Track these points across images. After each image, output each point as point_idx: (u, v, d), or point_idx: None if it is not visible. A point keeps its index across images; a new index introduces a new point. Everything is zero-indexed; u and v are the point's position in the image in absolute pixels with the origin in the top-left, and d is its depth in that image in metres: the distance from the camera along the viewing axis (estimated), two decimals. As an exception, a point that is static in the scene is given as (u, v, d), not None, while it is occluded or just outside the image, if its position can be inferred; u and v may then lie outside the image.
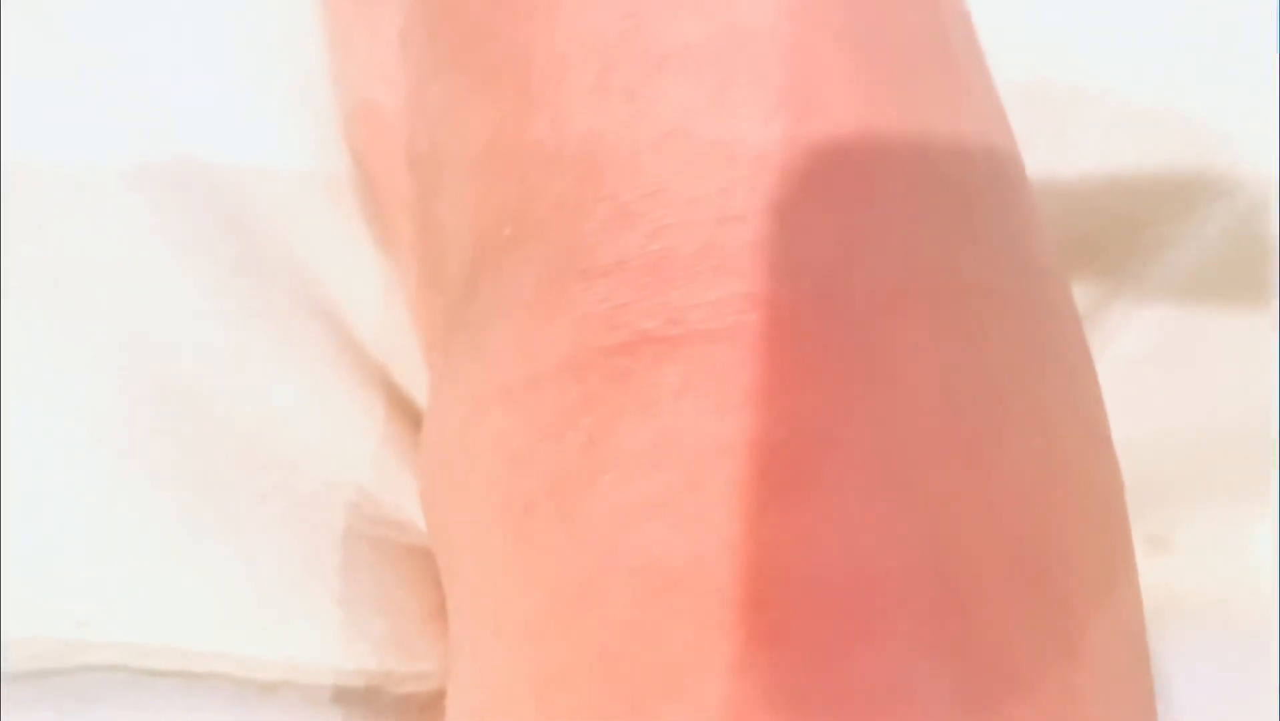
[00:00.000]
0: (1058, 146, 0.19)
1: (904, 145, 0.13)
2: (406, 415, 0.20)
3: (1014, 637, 0.11)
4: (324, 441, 0.19)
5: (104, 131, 0.19)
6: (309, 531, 0.18)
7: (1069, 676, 0.11)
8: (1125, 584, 0.13)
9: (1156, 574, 0.18)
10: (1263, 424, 0.17)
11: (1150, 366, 0.18)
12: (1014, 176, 0.14)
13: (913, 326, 0.12)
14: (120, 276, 0.18)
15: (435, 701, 0.18)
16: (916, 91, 0.14)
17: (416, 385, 0.20)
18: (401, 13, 0.17)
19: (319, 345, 0.19)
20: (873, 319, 0.12)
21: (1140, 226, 0.19)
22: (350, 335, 0.20)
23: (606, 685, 0.11)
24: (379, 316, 0.20)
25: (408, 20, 0.17)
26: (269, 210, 0.20)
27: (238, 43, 0.20)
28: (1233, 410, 0.18)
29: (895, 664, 0.11)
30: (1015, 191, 0.14)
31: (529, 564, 0.13)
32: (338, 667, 0.18)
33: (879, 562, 0.11)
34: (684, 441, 0.12)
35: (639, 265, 0.13)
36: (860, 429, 0.12)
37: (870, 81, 0.13)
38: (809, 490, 0.11)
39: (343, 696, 0.18)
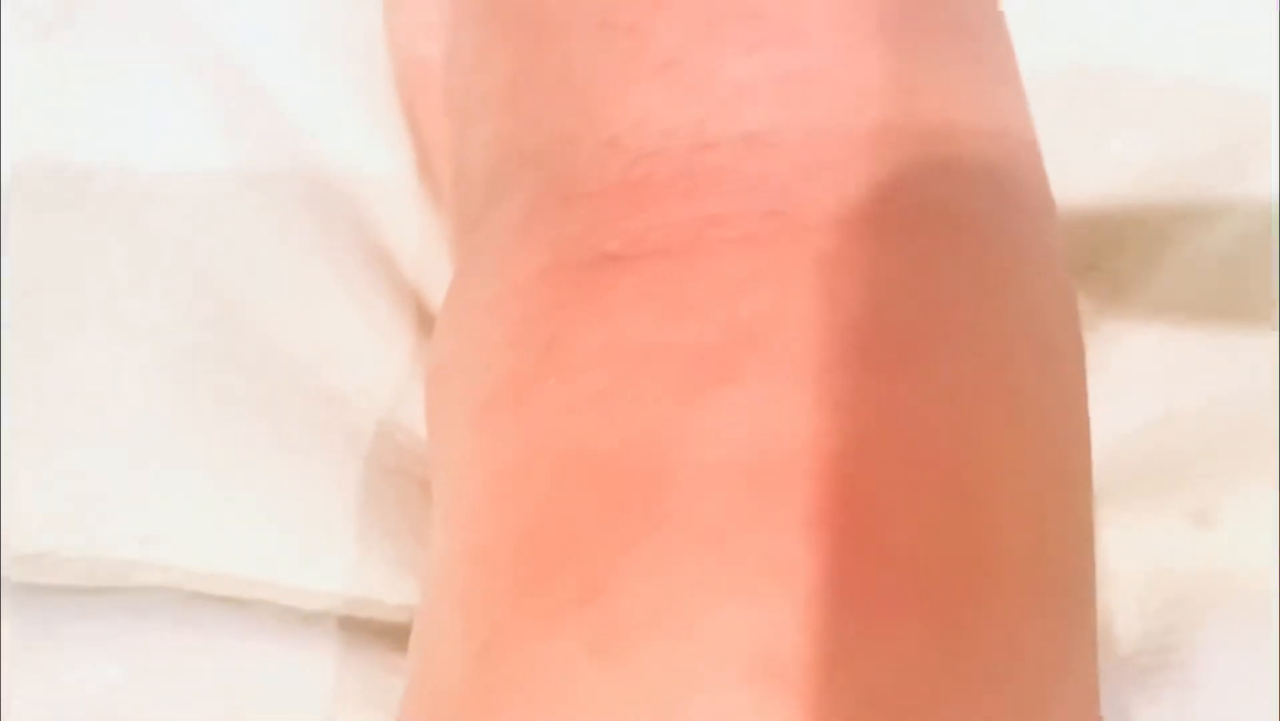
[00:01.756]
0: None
1: (885, 82, 0.14)
2: None
3: (909, 539, 0.11)
4: (376, 379, 0.19)
5: (180, 79, 0.20)
6: (362, 466, 0.19)
7: (972, 585, 0.12)
8: (1060, 515, 0.13)
9: (1201, 549, 0.18)
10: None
11: (1192, 339, 0.18)
12: (1011, 139, 0.15)
13: (863, 243, 0.13)
14: (192, 210, 0.19)
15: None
16: (910, 41, 0.14)
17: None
18: None
19: (374, 287, 0.20)
20: (823, 235, 0.13)
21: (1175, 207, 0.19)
22: (400, 278, 0.20)
23: (523, 562, 0.12)
24: (423, 263, 0.20)
25: None
26: (334, 157, 0.20)
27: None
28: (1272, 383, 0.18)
29: (771, 545, 0.11)
30: (1003, 146, 0.14)
31: (479, 455, 0.13)
32: (383, 602, 0.18)
33: (775, 453, 0.12)
34: (627, 345, 0.13)
35: (616, 191, 0.14)
36: (790, 333, 0.12)
37: (854, 22, 0.14)
38: (727, 386, 0.12)
39: (387, 631, 0.18)
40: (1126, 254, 0.19)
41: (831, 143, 0.13)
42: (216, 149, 0.19)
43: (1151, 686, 0.17)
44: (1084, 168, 0.19)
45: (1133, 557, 0.18)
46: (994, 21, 0.16)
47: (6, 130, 0.19)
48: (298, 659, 0.18)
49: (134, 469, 0.17)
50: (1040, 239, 0.14)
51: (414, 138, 0.20)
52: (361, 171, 0.20)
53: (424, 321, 0.20)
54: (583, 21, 0.14)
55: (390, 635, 0.18)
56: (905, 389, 0.12)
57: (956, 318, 0.13)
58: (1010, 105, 0.15)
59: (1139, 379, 0.18)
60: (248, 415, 0.18)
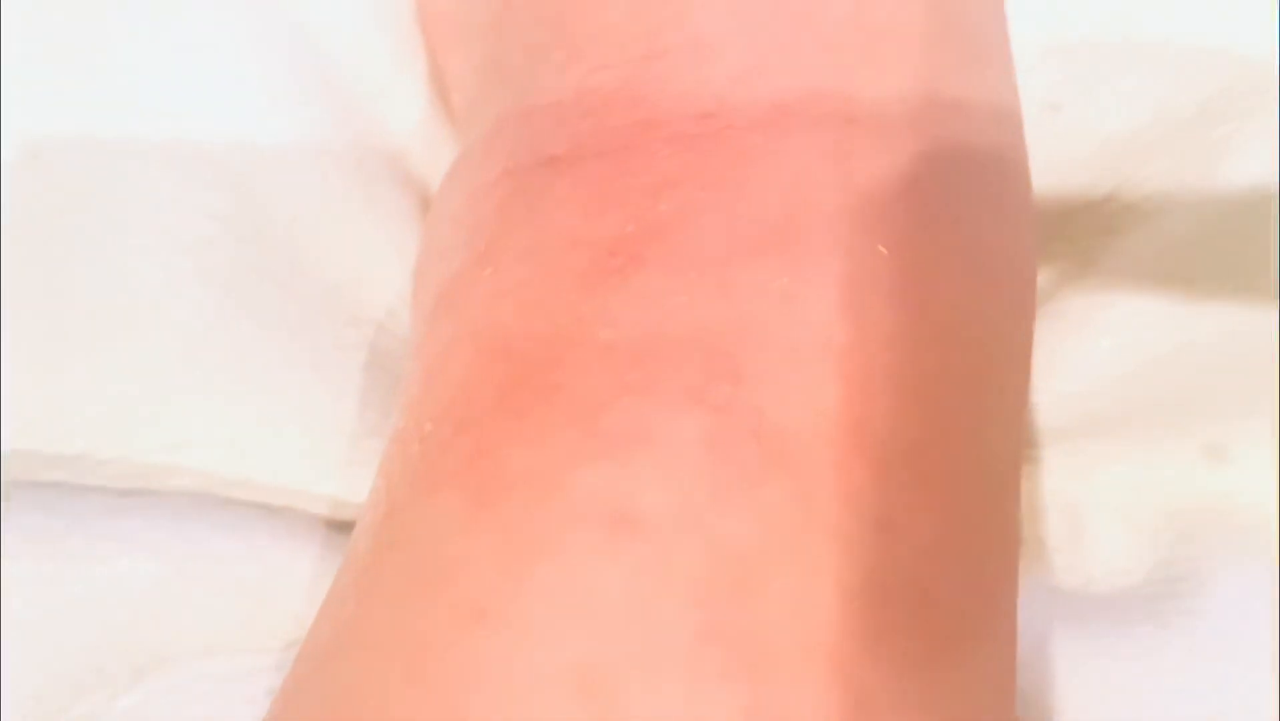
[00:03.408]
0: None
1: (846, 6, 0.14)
2: None
3: (784, 413, 0.12)
4: (401, 302, 0.20)
5: (220, 21, 0.20)
6: (389, 383, 0.19)
7: (843, 459, 0.12)
8: (952, 415, 0.13)
9: (1213, 484, 0.18)
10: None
11: (1200, 274, 0.18)
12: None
13: (786, 140, 0.13)
14: (230, 127, 0.19)
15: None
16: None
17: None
18: None
19: (403, 215, 0.20)
20: (749, 133, 0.13)
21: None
22: (426, 203, 0.21)
23: (429, 435, 0.13)
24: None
25: None
26: (368, 89, 0.20)
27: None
28: None
29: (643, 415, 0.12)
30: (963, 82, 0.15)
31: (422, 346, 0.15)
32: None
33: (663, 335, 0.12)
34: (553, 240, 0.14)
35: (570, 101, 0.15)
36: (699, 226, 0.13)
37: None
38: (629, 275, 0.13)
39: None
40: (1147, 183, 0.19)
41: (773, 49, 0.14)
42: (254, 79, 0.20)
43: (1159, 613, 0.17)
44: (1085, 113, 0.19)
45: (1145, 492, 0.18)
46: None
47: (47, 58, 0.19)
48: (327, 566, 0.18)
49: (170, 376, 0.18)
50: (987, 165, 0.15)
51: (433, 71, 0.20)
52: (393, 103, 0.21)
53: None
54: None
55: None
56: (802, 279, 0.13)
57: (866, 209, 0.13)
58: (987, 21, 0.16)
59: (1147, 315, 0.18)
60: (281, 330, 0.19)
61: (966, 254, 0.14)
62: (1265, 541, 0.18)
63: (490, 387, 0.13)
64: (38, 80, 0.19)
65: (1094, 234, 0.19)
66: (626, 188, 0.13)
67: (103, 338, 0.18)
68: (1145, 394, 0.18)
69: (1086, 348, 0.18)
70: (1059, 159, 0.18)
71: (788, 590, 0.12)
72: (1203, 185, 0.18)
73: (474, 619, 0.11)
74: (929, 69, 0.15)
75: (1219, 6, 0.19)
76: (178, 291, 0.18)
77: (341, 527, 0.19)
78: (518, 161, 0.15)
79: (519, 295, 0.13)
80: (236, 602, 0.17)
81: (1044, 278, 0.19)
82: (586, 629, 0.11)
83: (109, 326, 0.18)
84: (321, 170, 0.20)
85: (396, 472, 0.14)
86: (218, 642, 0.17)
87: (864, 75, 0.14)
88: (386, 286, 0.20)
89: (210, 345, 0.18)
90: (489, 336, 0.13)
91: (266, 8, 0.20)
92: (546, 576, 0.12)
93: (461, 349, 0.14)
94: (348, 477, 0.19)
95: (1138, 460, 0.18)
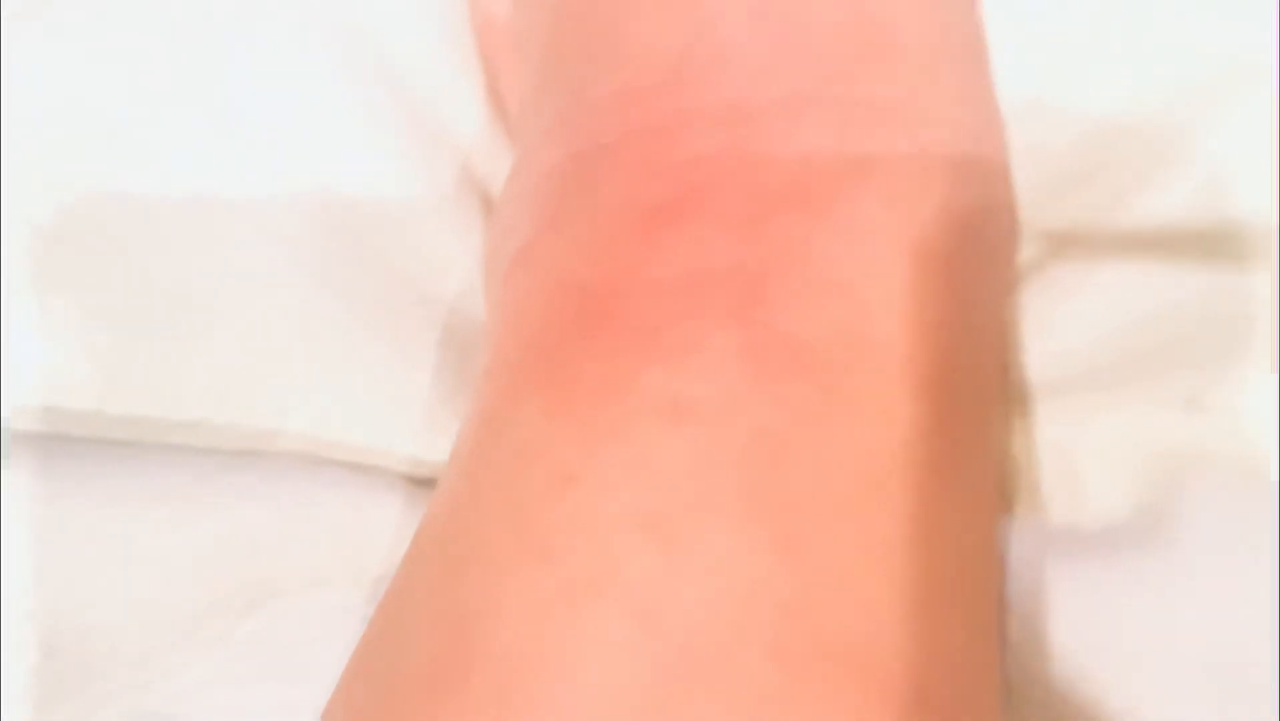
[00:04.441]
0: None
1: (847, 27, 0.17)
2: None
3: (803, 328, 0.15)
4: (474, 288, 0.22)
5: (303, 41, 0.23)
6: (460, 359, 0.22)
7: (851, 363, 0.15)
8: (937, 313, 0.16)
9: (1192, 431, 0.20)
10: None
11: (1180, 243, 0.20)
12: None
13: (797, 121, 0.17)
14: (317, 136, 0.22)
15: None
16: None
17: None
18: None
19: (470, 212, 0.23)
20: (765, 120, 0.17)
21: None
22: (490, 202, 0.23)
23: (513, 362, 0.17)
24: None
25: None
26: (436, 101, 0.23)
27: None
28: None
29: (698, 330, 0.15)
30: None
31: (500, 304, 0.18)
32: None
33: (704, 273, 0.16)
34: (607, 204, 0.17)
35: (618, 96, 0.18)
36: (727, 190, 0.16)
37: None
38: (676, 226, 0.16)
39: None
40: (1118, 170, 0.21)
41: (784, 52, 0.17)
42: (338, 101, 0.23)
43: (1142, 542, 0.19)
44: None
45: (1128, 442, 0.20)
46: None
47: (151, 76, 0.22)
48: (410, 515, 0.21)
49: (275, 350, 0.21)
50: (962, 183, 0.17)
51: (489, 81, 0.23)
52: (456, 113, 0.23)
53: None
54: None
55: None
56: (813, 227, 0.16)
57: (864, 168, 0.16)
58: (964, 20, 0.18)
59: (1129, 280, 0.20)
60: (365, 313, 0.22)
61: (955, 214, 0.16)
62: (1243, 475, 0.20)
63: (566, 318, 0.16)
64: (144, 92, 0.22)
65: (1080, 210, 0.21)
66: (667, 162, 0.16)
67: (215, 319, 0.21)
68: (1129, 350, 0.20)
69: (1076, 310, 0.21)
70: (1041, 148, 0.20)
71: (810, 458, 0.15)
72: (1175, 167, 0.20)
73: (564, 482, 0.15)
74: (920, 70, 0.17)
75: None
76: (277, 279, 0.21)
77: (421, 483, 0.22)
78: (576, 147, 0.18)
79: (584, 249, 0.17)
80: (334, 545, 0.20)
81: (1036, 250, 0.21)
82: (652, 486, 0.14)
83: (220, 309, 0.21)
84: (395, 173, 0.22)
85: (489, 393, 0.17)
86: (319, 578, 0.20)
87: (860, 70, 0.17)
88: (455, 274, 0.22)
89: (305, 326, 0.21)
90: (561, 281, 0.17)
91: (345, 31, 0.23)
92: (620, 449, 0.15)
93: (538, 295, 0.17)
94: (426, 439, 0.21)
95: (1124, 410, 0.20)
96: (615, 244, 0.16)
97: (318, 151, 0.22)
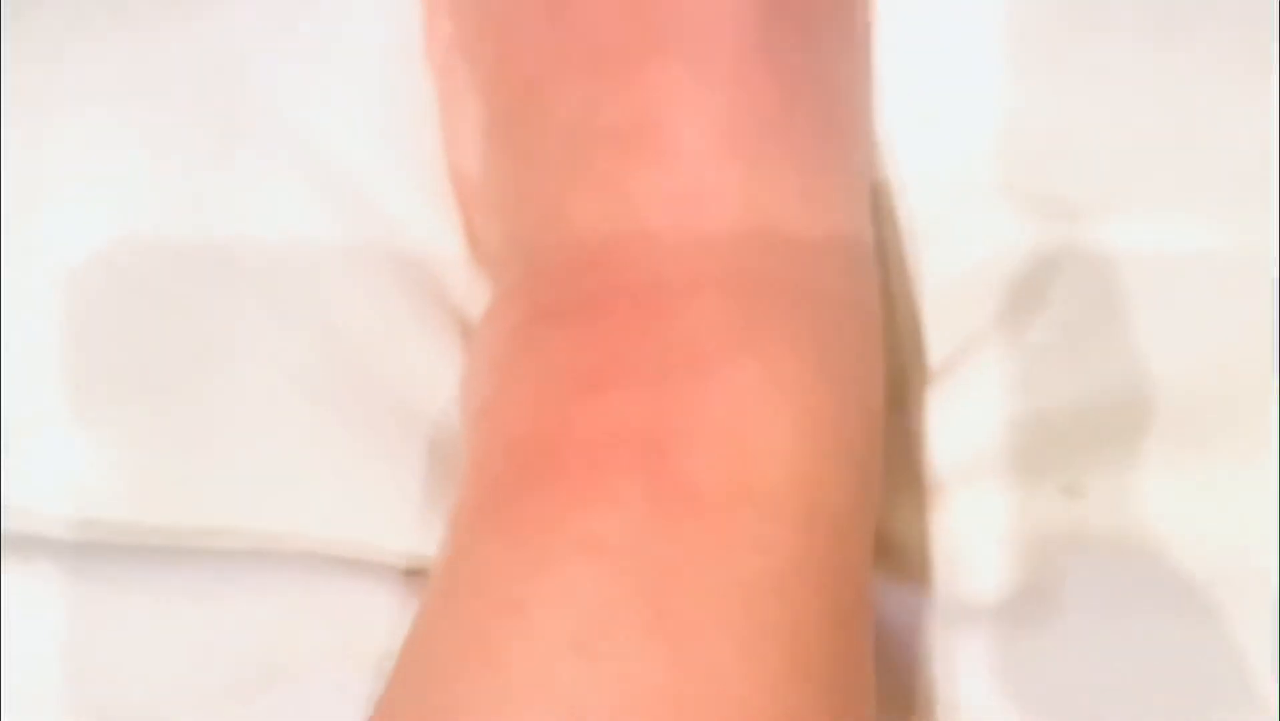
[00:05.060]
0: None
1: (736, 195, 0.21)
2: None
3: (701, 478, 0.19)
4: (453, 404, 0.26)
5: (287, 174, 0.26)
6: (448, 466, 0.25)
7: (736, 504, 0.19)
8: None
9: (1072, 515, 0.24)
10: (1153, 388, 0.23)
11: (1075, 336, 0.24)
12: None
13: (696, 298, 0.20)
14: (308, 273, 0.25)
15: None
16: (764, 155, 0.22)
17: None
18: (479, 108, 0.24)
19: (449, 335, 0.26)
20: (678, 295, 0.21)
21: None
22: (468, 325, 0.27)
23: (474, 498, 0.21)
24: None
25: (479, 113, 0.24)
26: (416, 237, 0.26)
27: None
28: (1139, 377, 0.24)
29: (610, 478, 0.19)
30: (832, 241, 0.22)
31: (470, 445, 0.22)
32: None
33: (619, 432, 0.19)
34: (547, 374, 0.21)
35: (560, 271, 0.22)
36: (640, 357, 0.20)
37: (718, 147, 0.22)
38: (598, 395, 0.20)
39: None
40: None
41: (696, 237, 0.21)
42: (323, 229, 0.26)
43: (1024, 617, 0.23)
44: None
45: (1012, 526, 0.24)
46: (857, 111, 0.23)
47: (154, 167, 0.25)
48: (406, 603, 0.24)
49: (282, 462, 0.24)
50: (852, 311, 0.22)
51: (465, 224, 0.26)
52: (436, 250, 0.26)
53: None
54: (551, 159, 0.22)
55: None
56: (706, 393, 0.20)
57: (754, 331, 0.20)
58: (846, 207, 0.23)
59: (1025, 374, 0.24)
60: (361, 429, 0.25)
61: (830, 374, 0.21)
62: (1118, 554, 0.23)
63: (513, 470, 0.20)
64: (140, 188, 0.25)
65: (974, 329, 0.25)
66: (594, 334, 0.20)
67: (226, 438, 0.24)
68: (1011, 446, 0.24)
69: (969, 409, 0.24)
70: (935, 281, 0.24)
71: (700, 585, 0.18)
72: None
73: (512, 608, 0.18)
74: (810, 250, 0.22)
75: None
76: (280, 403, 0.24)
77: (416, 574, 0.25)
78: (526, 315, 0.21)
79: (528, 412, 0.20)
80: (338, 632, 0.24)
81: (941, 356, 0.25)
82: (578, 610, 0.18)
83: (230, 430, 0.24)
84: (384, 300, 0.26)
85: (458, 528, 0.20)
86: (324, 662, 0.23)
87: (756, 254, 0.21)
88: (440, 391, 0.26)
89: (309, 441, 0.24)
90: (509, 439, 0.20)
91: (332, 175, 0.26)
92: (553, 579, 0.18)
93: (495, 449, 0.21)
94: (418, 536, 0.25)
95: (1006, 499, 0.24)
96: (551, 409, 0.20)
97: (320, 285, 0.25)
